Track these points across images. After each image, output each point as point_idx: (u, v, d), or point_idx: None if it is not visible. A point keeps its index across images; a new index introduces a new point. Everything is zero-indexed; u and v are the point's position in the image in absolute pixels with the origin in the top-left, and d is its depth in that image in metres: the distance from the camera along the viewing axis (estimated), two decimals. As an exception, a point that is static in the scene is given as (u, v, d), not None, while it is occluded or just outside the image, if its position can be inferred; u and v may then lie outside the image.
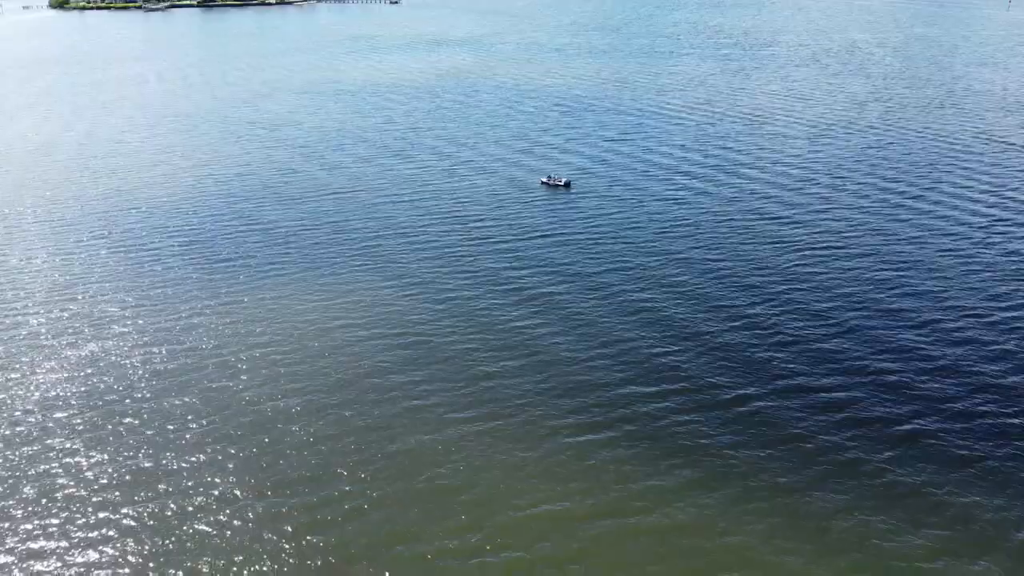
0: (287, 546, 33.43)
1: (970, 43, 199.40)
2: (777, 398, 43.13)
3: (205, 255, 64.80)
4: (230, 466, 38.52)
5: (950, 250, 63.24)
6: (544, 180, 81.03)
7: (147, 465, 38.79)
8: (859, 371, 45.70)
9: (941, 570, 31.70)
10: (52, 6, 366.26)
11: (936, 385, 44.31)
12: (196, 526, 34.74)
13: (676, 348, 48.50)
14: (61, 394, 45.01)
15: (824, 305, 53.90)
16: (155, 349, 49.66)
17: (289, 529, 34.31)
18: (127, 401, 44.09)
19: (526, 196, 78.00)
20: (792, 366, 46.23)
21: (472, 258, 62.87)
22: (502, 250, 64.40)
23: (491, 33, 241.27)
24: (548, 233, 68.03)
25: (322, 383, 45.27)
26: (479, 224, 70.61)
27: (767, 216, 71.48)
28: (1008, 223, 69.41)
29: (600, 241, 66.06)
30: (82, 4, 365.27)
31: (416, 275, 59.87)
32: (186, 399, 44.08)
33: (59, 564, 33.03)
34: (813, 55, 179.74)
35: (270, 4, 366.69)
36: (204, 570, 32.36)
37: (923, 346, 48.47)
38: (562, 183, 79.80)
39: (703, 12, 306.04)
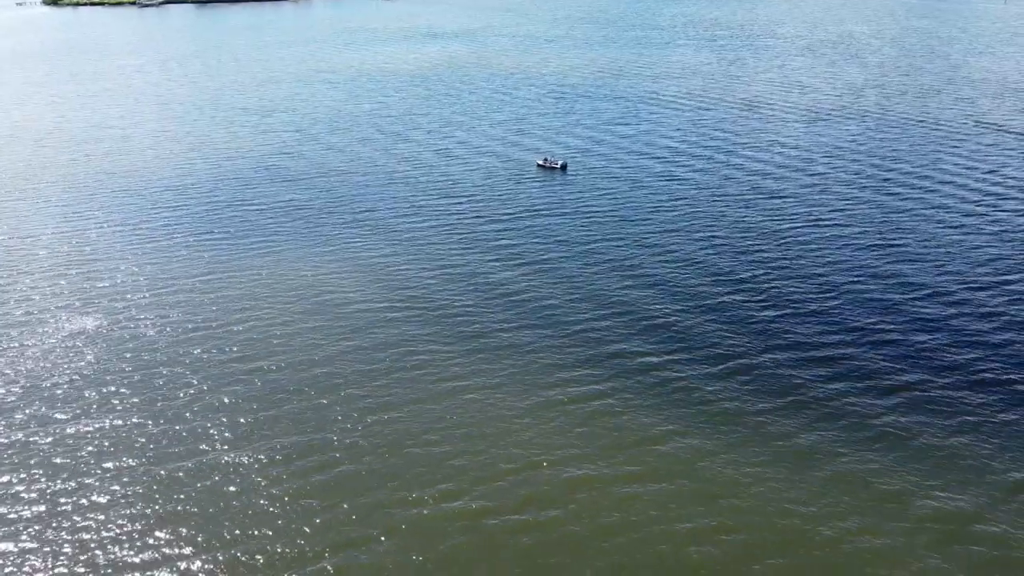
0: (280, 511, 32.69)
1: (967, 35, 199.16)
2: (772, 354, 42.57)
3: (198, 232, 64.08)
4: (224, 434, 37.79)
5: (946, 222, 62.73)
6: (540, 162, 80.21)
7: (137, 437, 38.07)
8: (856, 331, 45.24)
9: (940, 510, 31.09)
10: (46, 2, 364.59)
11: (933, 342, 43.80)
12: (188, 491, 34.01)
13: (675, 309, 47.93)
14: (51, 365, 44.26)
15: (823, 273, 53.36)
16: (145, 322, 48.92)
17: (281, 494, 33.56)
18: (117, 372, 43.36)
19: (522, 178, 77.27)
20: (789, 328, 45.66)
21: (466, 232, 62.24)
22: (497, 226, 63.77)
23: (487, 26, 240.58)
24: (544, 211, 67.38)
25: (316, 350, 44.59)
26: (474, 203, 69.96)
27: (765, 193, 70.91)
28: (1005, 198, 68.89)
29: (597, 218, 65.44)
30: (75, 0, 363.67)
31: (409, 247, 59.24)
32: (176, 369, 43.36)
33: (43, 531, 32.29)
34: (809, 46, 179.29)
35: (263, 0, 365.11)
36: (198, 537, 31.60)
37: (921, 310, 47.95)
38: (558, 165, 79.00)
39: (699, 5, 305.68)
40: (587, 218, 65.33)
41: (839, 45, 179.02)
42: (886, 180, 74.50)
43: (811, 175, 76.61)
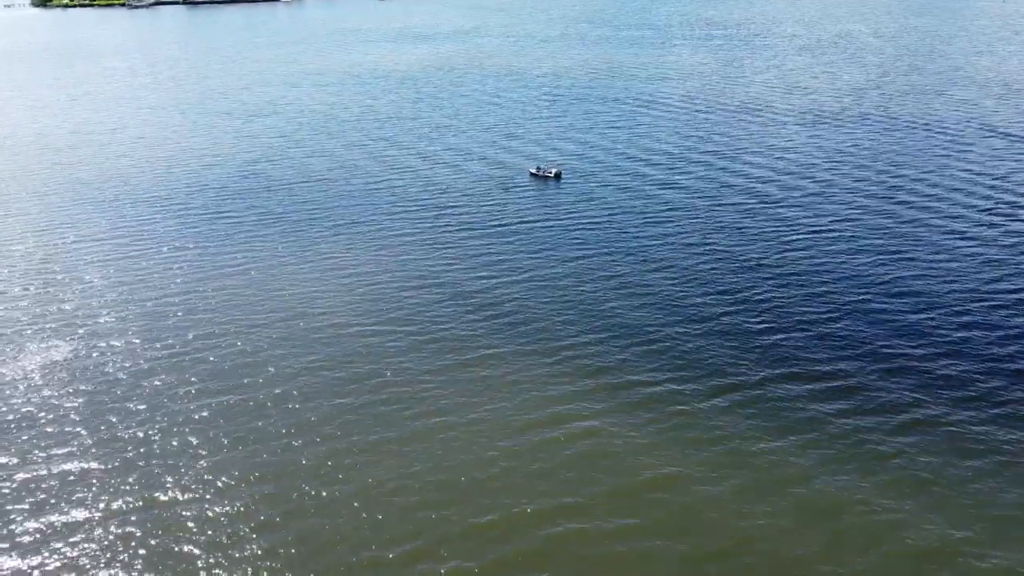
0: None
1: (967, 33, 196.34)
2: (783, 383, 39.42)
3: (172, 246, 60.76)
4: (180, 482, 34.53)
5: (957, 233, 59.60)
6: (533, 171, 76.74)
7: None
8: (860, 348, 42.16)
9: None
10: (35, 4, 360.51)
11: (938, 361, 40.71)
12: (140, 540, 30.77)
13: (677, 332, 44.76)
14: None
15: (829, 290, 50.24)
16: (115, 343, 45.63)
17: (241, 555, 30.34)
18: (82, 394, 40.09)
19: (514, 187, 73.90)
20: (796, 351, 42.51)
21: (454, 246, 58.96)
22: (487, 239, 60.52)
23: (480, 26, 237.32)
24: (536, 223, 64.12)
25: (287, 381, 41.38)
26: (463, 214, 66.69)
27: (766, 201, 67.70)
28: (1018, 207, 65.78)
29: (592, 230, 62.20)
30: (65, 1, 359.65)
31: (392, 262, 55.98)
32: (136, 397, 40.12)
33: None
34: (807, 45, 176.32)
35: (256, 1, 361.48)
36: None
37: (934, 329, 44.81)
38: (552, 174, 75.55)
39: (695, 4, 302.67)
40: (582, 231, 62.07)
41: (838, 44, 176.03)
42: (892, 187, 71.39)
43: (814, 182, 73.47)
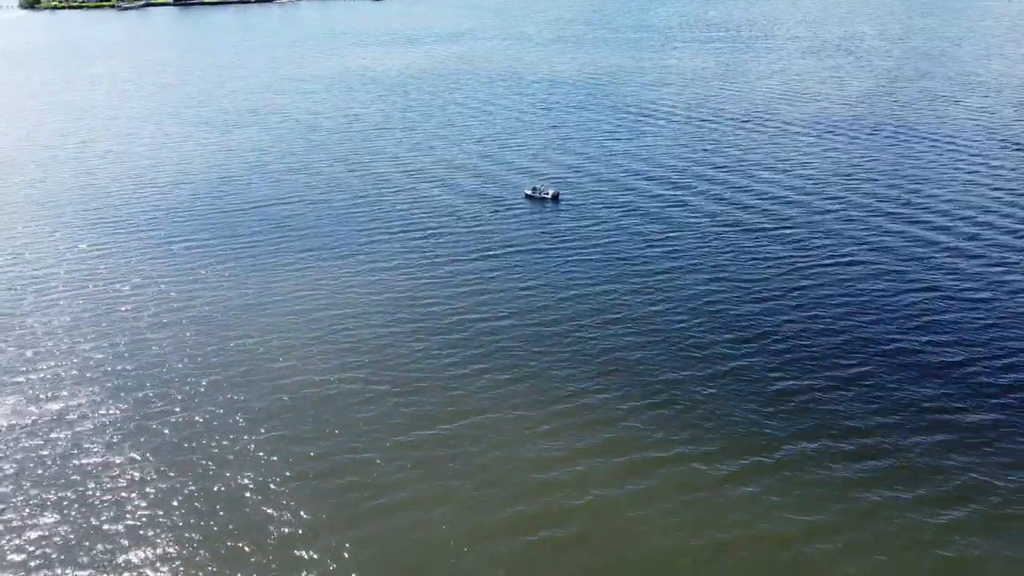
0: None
1: (975, 34, 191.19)
2: (798, 442, 34.10)
3: (135, 271, 55.31)
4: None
5: (984, 257, 54.34)
6: (529, 192, 70.98)
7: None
8: (895, 401, 36.90)
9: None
10: (23, 6, 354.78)
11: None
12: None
13: (685, 376, 39.46)
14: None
15: (850, 326, 44.95)
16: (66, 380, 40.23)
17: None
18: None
19: (508, 209, 68.33)
20: (817, 401, 37.22)
21: (443, 279, 53.56)
22: (479, 267, 55.13)
23: (475, 27, 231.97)
24: (531, 250, 58.73)
25: (254, 427, 36.07)
26: (453, 241, 61.29)
27: (777, 221, 62.38)
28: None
29: (593, 258, 56.86)
30: (54, 4, 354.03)
31: (373, 289, 50.58)
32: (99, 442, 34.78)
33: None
34: (811, 48, 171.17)
35: (249, 2, 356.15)
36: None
37: (963, 369, 39.50)
38: (549, 195, 70.07)
39: (694, 4, 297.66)
40: (581, 260, 56.62)
41: (842, 46, 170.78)
42: (907, 204, 66.11)
43: (828, 200, 68.15)
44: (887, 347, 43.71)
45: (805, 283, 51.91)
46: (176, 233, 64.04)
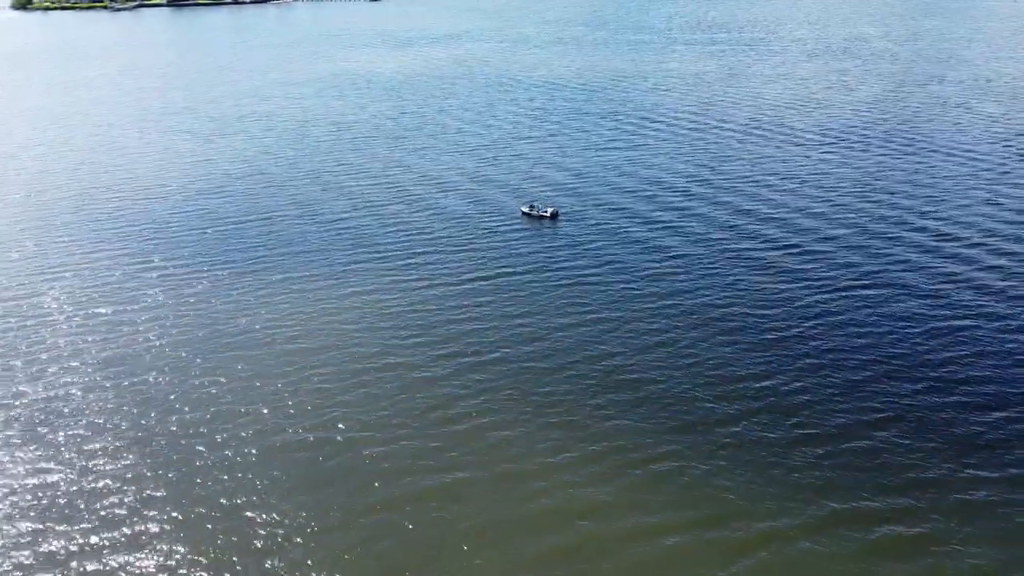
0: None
1: (983, 36, 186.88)
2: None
3: (101, 295, 50.95)
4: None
5: (1009, 272, 50.17)
6: (526, 210, 66.39)
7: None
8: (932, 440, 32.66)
9: None
10: (14, 7, 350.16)
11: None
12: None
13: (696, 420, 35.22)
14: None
15: (873, 377, 40.62)
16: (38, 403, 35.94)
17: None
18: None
19: (504, 228, 63.91)
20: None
21: (435, 305, 49.19)
22: (472, 290, 50.80)
23: (472, 29, 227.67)
24: (529, 274, 54.38)
25: (229, 470, 31.88)
26: (443, 264, 56.93)
27: (790, 245, 58.07)
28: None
29: (595, 281, 52.51)
30: (46, 4, 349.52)
31: (358, 315, 46.21)
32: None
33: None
34: (817, 50, 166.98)
35: (243, 3, 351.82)
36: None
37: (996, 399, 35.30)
38: (548, 214, 65.61)
39: (694, 4, 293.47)
40: (581, 285, 52.33)
41: (848, 49, 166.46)
42: (925, 229, 61.60)
43: (841, 219, 63.85)
44: (927, 374, 39.49)
45: (827, 310, 47.61)
46: (144, 252, 59.59)
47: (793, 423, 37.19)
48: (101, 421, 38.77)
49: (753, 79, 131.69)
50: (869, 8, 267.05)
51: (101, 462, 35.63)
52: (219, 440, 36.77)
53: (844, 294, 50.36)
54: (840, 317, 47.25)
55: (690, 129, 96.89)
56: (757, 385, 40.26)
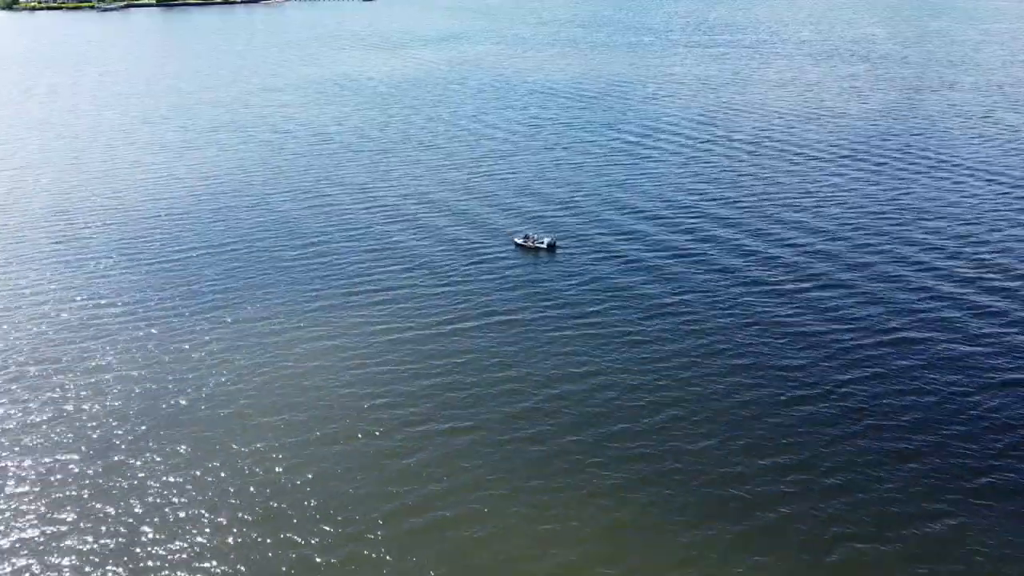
0: None
1: (992, 38, 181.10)
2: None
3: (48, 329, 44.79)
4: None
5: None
6: (520, 241, 60.22)
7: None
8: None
9: None
10: (1, 7, 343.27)
11: None
12: None
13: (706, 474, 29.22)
14: None
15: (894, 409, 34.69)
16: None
17: None
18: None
19: (495, 263, 57.52)
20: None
21: (419, 347, 43.09)
22: (461, 332, 44.70)
23: (466, 30, 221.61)
24: (522, 319, 48.27)
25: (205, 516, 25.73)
26: (427, 302, 50.76)
27: (808, 275, 52.10)
28: None
29: (594, 323, 46.43)
30: (32, 4, 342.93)
31: (335, 351, 40.15)
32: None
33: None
34: (821, 53, 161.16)
35: (234, 3, 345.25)
36: None
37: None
38: (544, 244, 59.50)
39: (694, 4, 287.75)
40: (583, 326, 46.32)
41: (855, 52, 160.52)
42: (959, 256, 55.73)
43: (861, 247, 57.89)
44: (963, 408, 33.60)
45: (861, 359, 41.63)
46: (99, 275, 53.39)
47: (826, 486, 31.24)
48: (45, 463, 32.60)
49: (759, 85, 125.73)
50: (870, 7, 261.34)
51: (35, 518, 29.57)
52: (167, 493, 30.67)
53: (879, 339, 44.32)
54: (875, 369, 41.24)
55: (695, 140, 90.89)
56: (787, 447, 34.17)
